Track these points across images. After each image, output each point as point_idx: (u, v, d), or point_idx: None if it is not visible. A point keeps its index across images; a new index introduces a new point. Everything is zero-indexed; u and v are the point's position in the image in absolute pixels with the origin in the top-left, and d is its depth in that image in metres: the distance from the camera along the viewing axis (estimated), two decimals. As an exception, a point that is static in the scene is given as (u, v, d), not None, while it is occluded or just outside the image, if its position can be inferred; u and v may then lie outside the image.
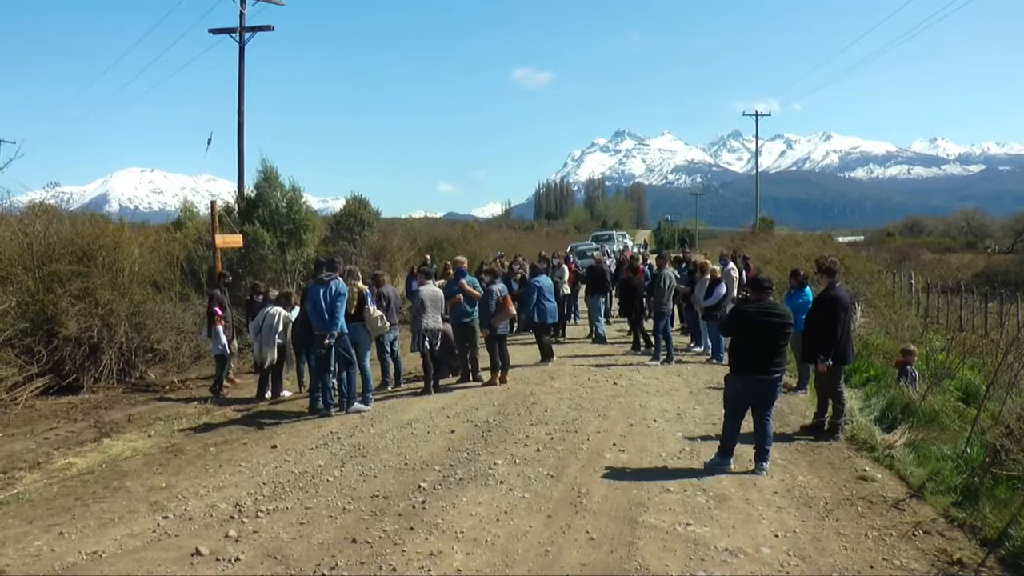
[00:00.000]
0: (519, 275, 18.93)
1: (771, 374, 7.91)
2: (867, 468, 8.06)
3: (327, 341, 10.95)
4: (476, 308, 13.07)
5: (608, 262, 22.30)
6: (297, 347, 12.80)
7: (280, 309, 12.61)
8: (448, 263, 19.48)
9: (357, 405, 11.31)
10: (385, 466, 8.40)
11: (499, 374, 13.02)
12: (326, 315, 10.91)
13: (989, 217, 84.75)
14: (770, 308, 7.98)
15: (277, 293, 13.21)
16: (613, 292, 21.52)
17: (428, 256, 22.71)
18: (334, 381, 11.57)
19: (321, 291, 10.95)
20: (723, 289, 14.84)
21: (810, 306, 10.05)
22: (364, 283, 12.39)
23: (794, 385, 12.05)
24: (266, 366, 12.57)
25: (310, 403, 11.54)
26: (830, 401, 9.50)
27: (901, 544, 6.11)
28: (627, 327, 18.81)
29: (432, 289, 12.44)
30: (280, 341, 12.52)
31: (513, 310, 13.20)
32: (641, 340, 16.52)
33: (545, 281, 15.05)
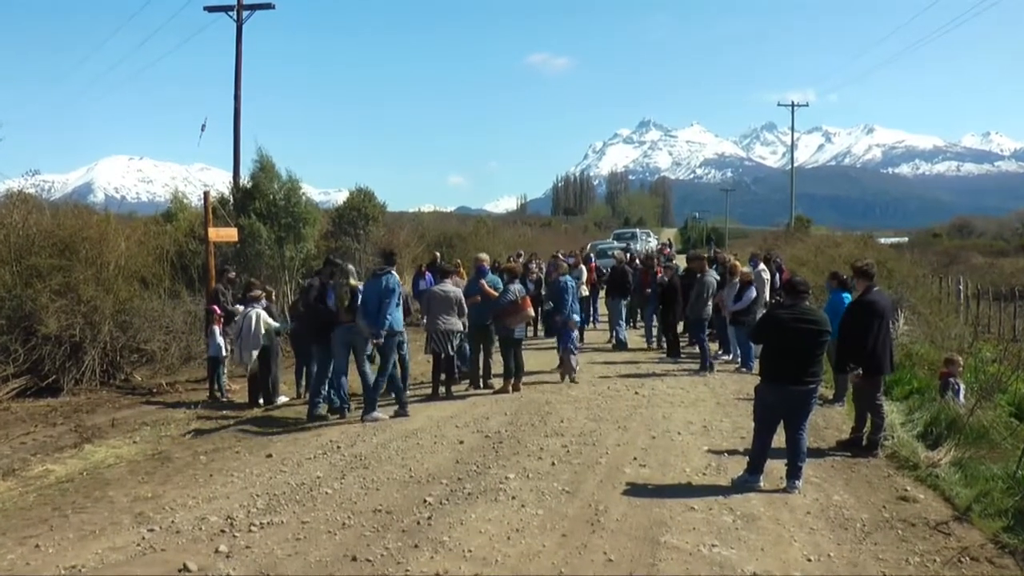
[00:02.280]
0: (534, 276, 18.98)
1: (805, 384, 7.89)
2: (909, 488, 8.02)
3: (374, 341, 11.08)
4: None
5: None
6: (297, 349, 12.85)
7: (259, 311, 12.63)
8: (458, 262, 19.52)
9: (375, 414, 11.36)
10: (388, 478, 8.41)
11: (512, 381, 13.04)
12: (375, 311, 11.06)
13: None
14: (805, 314, 7.96)
15: (258, 292, 13.15)
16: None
17: (438, 253, 22.75)
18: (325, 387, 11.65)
19: (375, 285, 11.09)
20: (753, 293, 14.79)
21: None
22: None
23: (830, 397, 12.00)
24: (248, 372, 12.61)
25: (309, 409, 11.58)
26: (868, 415, 9.46)
27: (945, 571, 6.08)
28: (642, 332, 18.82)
29: (444, 288, 12.44)
30: (266, 343, 12.55)
31: (531, 311, 13.18)
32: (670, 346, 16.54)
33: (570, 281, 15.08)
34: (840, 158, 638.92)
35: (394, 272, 11.36)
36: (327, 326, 11.44)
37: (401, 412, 11.42)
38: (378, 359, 11.55)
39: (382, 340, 11.08)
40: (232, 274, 15.03)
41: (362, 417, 11.27)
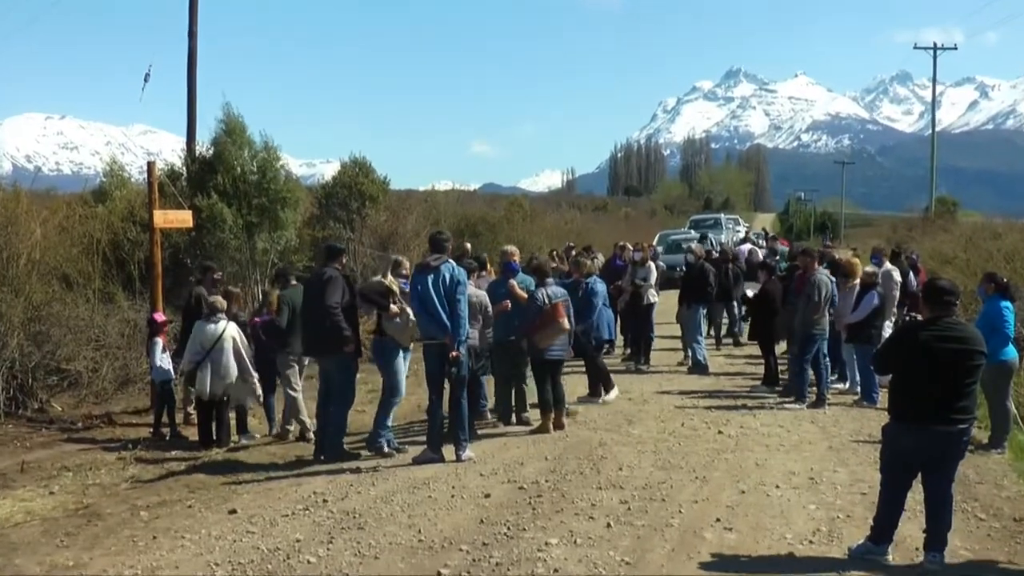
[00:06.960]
0: (588, 268, 18.90)
1: (953, 424, 7.78)
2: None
3: (454, 355, 11.01)
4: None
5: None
6: (266, 372, 12.90)
7: (234, 328, 12.64)
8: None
9: (385, 447, 11.59)
10: (391, 543, 8.44)
11: (553, 415, 13.02)
12: (444, 316, 10.91)
13: None
14: (951, 330, 7.85)
15: (221, 301, 12.94)
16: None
17: (468, 245, 22.37)
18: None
19: (430, 280, 10.97)
20: (875, 300, 14.54)
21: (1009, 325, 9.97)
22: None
23: (985, 441, 11.87)
24: (222, 406, 12.64)
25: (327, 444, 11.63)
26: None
27: None
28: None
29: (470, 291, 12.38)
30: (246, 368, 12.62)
31: (566, 323, 12.90)
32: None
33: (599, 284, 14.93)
34: (1000, 120, 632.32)
35: (451, 260, 11.26)
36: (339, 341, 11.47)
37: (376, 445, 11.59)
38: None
39: (462, 353, 11.11)
40: (219, 274, 14.96)
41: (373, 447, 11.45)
